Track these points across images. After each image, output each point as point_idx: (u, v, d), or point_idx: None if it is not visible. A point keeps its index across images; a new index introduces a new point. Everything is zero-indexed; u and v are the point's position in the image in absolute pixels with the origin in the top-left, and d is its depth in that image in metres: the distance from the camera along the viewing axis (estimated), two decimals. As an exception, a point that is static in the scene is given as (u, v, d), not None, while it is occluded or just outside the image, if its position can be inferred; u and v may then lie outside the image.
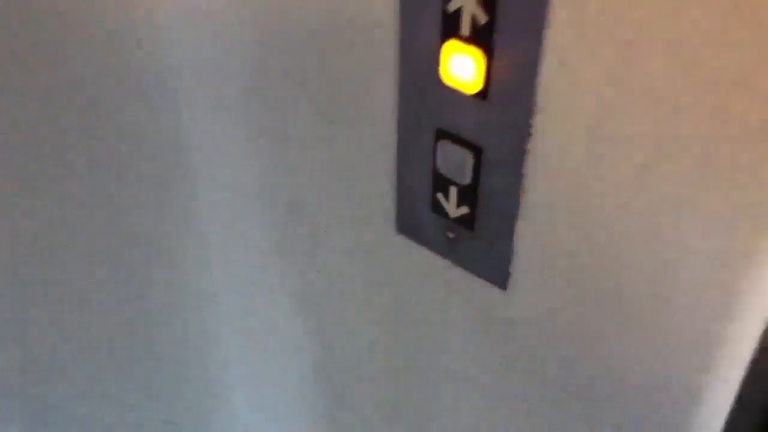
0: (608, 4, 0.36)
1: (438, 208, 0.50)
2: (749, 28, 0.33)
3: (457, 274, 0.52)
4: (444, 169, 0.48)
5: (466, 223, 0.49)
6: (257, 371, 0.80)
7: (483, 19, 0.40)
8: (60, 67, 0.58)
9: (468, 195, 0.48)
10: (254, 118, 0.60)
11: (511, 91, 0.41)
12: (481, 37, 0.41)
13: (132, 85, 0.61)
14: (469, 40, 0.41)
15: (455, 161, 0.47)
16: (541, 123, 0.42)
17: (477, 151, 0.45)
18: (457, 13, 0.41)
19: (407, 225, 0.53)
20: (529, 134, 0.42)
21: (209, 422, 0.86)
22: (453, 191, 0.48)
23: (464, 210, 0.48)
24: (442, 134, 0.46)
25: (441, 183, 0.48)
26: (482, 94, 0.42)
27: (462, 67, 0.42)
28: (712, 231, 0.38)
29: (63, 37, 0.56)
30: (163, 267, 0.72)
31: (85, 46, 0.58)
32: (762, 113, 0.34)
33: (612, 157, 0.40)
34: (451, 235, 0.51)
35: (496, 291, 0.51)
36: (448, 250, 0.52)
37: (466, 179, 0.47)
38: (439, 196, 0.49)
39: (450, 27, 0.42)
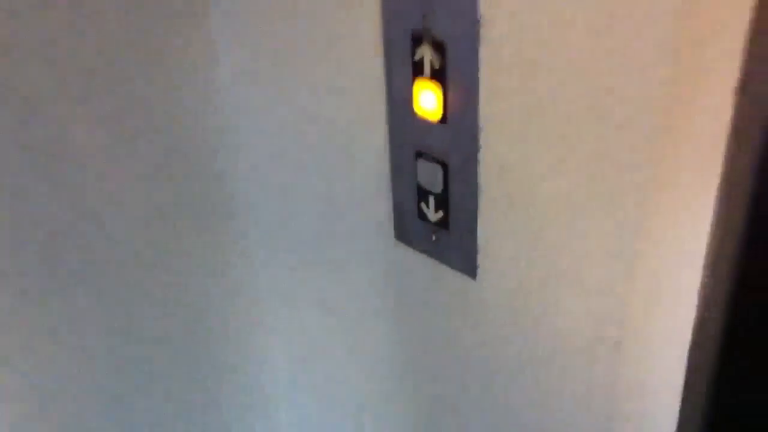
0: (516, 50, 0.51)
1: (422, 216, 0.64)
2: (616, 42, 0.47)
3: (440, 270, 0.66)
4: (424, 182, 0.62)
5: (443, 225, 0.63)
6: (303, 384, 0.94)
7: (438, 63, 0.55)
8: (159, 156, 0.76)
9: (442, 202, 0.62)
10: (291, 160, 0.76)
11: (461, 116, 0.56)
12: (438, 77, 0.56)
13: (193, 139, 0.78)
14: (430, 79, 0.57)
15: (430, 175, 0.61)
16: (484, 139, 0.56)
17: (444, 165, 0.60)
18: (421, 60, 0.56)
19: (402, 232, 0.67)
20: (478, 148, 0.57)
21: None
22: (431, 200, 0.63)
23: (440, 215, 0.63)
24: (419, 154, 0.61)
25: (422, 194, 0.63)
26: (443, 120, 0.57)
27: (427, 99, 0.57)
28: (609, 208, 0.52)
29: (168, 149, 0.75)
30: (217, 294, 0.87)
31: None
32: (626, 112, 0.48)
33: (535, 160, 0.54)
34: (434, 237, 0.65)
35: (469, 280, 0.64)
36: (433, 249, 0.65)
37: (438, 188, 0.61)
38: (422, 205, 0.64)
39: (417, 70, 0.57)
